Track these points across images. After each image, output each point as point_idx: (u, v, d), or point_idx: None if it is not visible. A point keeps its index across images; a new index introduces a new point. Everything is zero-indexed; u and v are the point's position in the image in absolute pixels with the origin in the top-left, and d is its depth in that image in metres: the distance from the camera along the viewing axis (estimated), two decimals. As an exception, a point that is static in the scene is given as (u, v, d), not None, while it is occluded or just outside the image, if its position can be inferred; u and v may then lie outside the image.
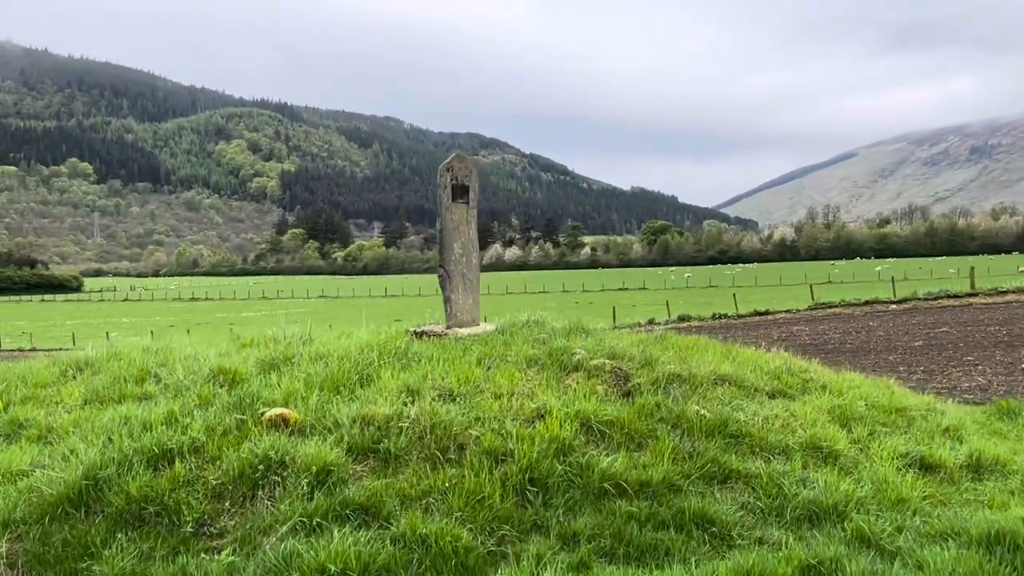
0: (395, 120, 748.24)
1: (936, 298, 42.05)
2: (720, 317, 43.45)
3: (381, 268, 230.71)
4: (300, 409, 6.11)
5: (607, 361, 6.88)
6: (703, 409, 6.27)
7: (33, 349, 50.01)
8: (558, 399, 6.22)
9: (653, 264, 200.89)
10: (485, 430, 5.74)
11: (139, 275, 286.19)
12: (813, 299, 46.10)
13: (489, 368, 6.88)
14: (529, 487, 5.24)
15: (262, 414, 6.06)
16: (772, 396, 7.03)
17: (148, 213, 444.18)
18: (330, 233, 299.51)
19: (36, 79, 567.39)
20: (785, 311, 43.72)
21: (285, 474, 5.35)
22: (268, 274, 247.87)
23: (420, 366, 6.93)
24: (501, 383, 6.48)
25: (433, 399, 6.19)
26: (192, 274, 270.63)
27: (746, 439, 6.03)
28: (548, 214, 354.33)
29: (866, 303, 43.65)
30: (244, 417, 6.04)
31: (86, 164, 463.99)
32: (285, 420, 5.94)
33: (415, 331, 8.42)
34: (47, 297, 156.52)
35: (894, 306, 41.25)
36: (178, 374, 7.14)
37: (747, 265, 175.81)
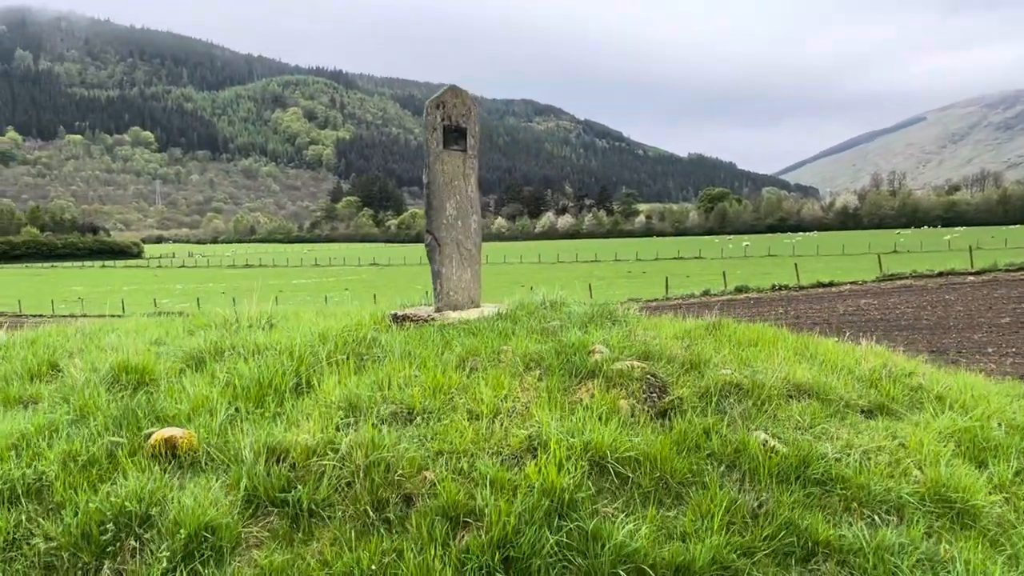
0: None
1: (1020, 269, 38.98)
2: (780, 288, 40.93)
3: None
4: (202, 429, 4.36)
5: (636, 364, 4.96)
6: (773, 438, 4.32)
7: (84, 315, 50.02)
8: (561, 422, 4.33)
9: (710, 232, 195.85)
10: (446, 473, 3.88)
11: (198, 241, 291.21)
12: (881, 270, 43.15)
13: (473, 370, 5.04)
14: (500, 571, 3.39)
15: (148, 436, 4.34)
16: (869, 414, 5.00)
17: (207, 181, 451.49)
18: (384, 201, 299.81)
19: (100, 49, 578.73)
20: (850, 282, 41.01)
21: (148, 536, 3.61)
22: (323, 241, 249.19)
23: (380, 367, 5.12)
24: (484, 395, 4.62)
25: (383, 419, 4.36)
26: (249, 241, 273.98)
27: (837, 487, 4.04)
28: (602, 181, 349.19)
29: (940, 274, 40.78)
30: (122, 440, 4.32)
31: (148, 133, 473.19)
32: (173, 447, 4.20)
33: (396, 314, 6.62)
34: (108, 263, 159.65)
35: (972, 278, 38.28)
36: (73, 374, 5.45)
37: (808, 233, 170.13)
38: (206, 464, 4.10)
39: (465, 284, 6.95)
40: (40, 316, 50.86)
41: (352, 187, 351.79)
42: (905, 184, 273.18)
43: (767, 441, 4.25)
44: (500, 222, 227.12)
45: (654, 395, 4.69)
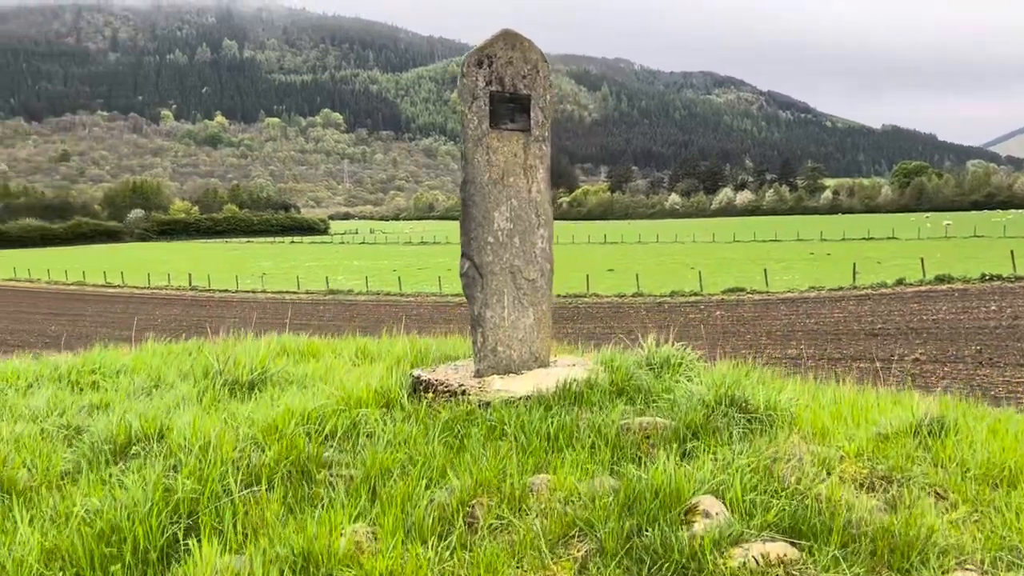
0: (625, 61, 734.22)
1: None
2: (991, 278, 35.32)
3: (605, 213, 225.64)
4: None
5: (776, 552, 2.40)
6: None
7: (263, 291, 52.03)
8: None
9: (905, 209, 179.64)
10: None
11: (381, 218, 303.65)
12: (1125, 258, 36.22)
13: (471, 529, 2.77)
14: None
15: None
16: None
17: (391, 160, 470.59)
18: (556, 178, 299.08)
19: (296, 36, 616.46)
20: (1084, 273, 34.73)
21: None
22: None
23: (315, 512, 2.94)
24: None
25: None
26: (428, 218, 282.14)
27: None
28: (785, 155, 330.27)
29: None
30: None
31: (337, 114, 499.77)
32: None
33: (419, 377, 4.47)
34: (297, 239, 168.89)
35: None
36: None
37: (1021, 211, 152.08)
38: None
39: (524, 333, 4.65)
40: (226, 291, 53.39)
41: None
42: None
43: None
44: (674, 198, 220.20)
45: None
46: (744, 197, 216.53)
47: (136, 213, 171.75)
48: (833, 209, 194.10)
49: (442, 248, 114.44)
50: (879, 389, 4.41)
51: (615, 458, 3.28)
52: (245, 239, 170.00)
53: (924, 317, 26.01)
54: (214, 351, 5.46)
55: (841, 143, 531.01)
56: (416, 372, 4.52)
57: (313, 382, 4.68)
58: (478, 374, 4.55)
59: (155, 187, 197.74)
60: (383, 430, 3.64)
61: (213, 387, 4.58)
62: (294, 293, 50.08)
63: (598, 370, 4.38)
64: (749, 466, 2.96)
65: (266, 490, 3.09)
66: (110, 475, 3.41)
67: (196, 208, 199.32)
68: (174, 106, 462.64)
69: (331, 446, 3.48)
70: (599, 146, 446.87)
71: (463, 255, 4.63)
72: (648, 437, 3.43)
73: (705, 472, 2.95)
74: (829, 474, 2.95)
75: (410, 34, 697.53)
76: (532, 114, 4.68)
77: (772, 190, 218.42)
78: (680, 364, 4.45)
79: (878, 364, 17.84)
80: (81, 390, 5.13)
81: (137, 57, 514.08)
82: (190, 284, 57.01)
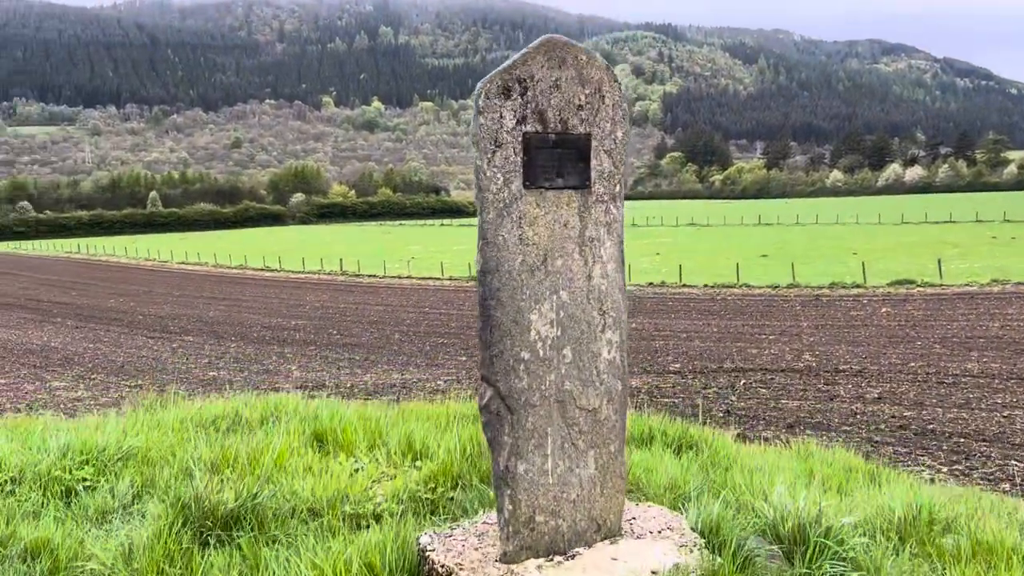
0: (784, 32, 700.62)
1: None
2: None
3: (760, 192, 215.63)
4: None
5: None
6: None
7: (409, 276, 52.58)
8: None
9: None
10: None
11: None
12: None
13: None
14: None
15: None
16: None
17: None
18: (708, 155, 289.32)
19: (448, 20, 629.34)
20: None
21: None
22: (646, 199, 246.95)
23: None
24: None
25: None
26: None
27: None
28: (962, 127, 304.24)
29: None
30: None
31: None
32: None
33: (426, 552, 3.07)
34: (446, 221, 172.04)
35: None
36: None
37: None
38: None
39: (579, 492, 3.03)
40: (373, 276, 54.32)
41: (676, 142, 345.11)
42: None
43: None
44: (836, 175, 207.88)
45: None
46: (914, 173, 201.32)
47: (297, 197, 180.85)
48: (1019, 185, 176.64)
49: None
50: None
51: None
52: (398, 222, 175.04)
53: None
54: (219, 442, 4.35)
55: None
56: (423, 539, 3.13)
57: (307, 518, 3.43)
58: (505, 558, 3.05)
59: (315, 172, 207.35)
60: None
61: (174, 527, 3.41)
62: (438, 279, 50.19)
63: (692, 546, 2.85)
64: None
65: None
66: None
67: (353, 192, 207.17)
68: (334, 92, 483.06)
69: None
70: (755, 121, 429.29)
71: (482, 379, 3.09)
72: None
73: None
74: None
75: (560, 13, 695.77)
76: (594, 162, 3.03)
77: (947, 165, 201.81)
78: (824, 545, 2.85)
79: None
80: (54, 495, 4.15)
81: (301, 47, 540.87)
82: (341, 269, 58.43)
